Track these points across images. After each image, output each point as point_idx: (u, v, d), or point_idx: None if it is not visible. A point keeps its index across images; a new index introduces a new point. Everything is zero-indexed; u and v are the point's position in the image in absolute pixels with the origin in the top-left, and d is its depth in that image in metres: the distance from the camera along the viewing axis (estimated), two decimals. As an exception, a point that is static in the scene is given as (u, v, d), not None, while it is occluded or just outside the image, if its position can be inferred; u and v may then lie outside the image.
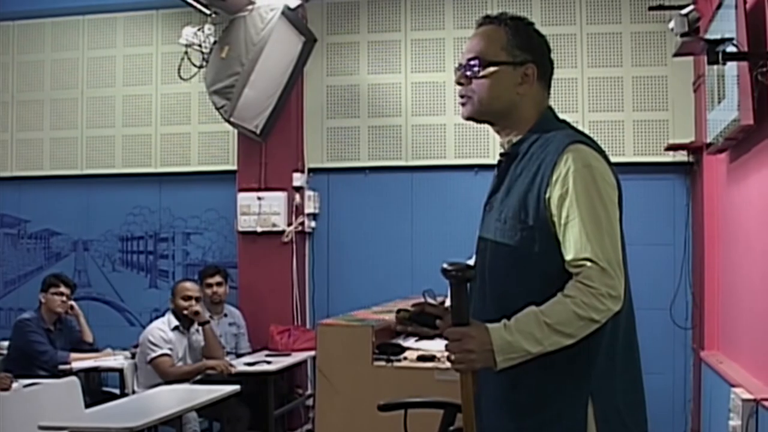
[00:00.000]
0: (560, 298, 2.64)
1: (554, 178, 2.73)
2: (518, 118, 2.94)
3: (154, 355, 7.45)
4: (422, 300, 3.03)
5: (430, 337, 3.07)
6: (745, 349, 5.97)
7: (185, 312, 7.70)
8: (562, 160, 2.73)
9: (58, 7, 9.63)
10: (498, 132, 3.03)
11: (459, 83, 2.99)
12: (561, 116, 3.01)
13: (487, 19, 3.00)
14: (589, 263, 2.64)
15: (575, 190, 2.69)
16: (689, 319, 8.16)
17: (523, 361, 2.65)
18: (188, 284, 7.94)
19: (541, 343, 2.61)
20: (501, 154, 3.01)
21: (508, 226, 2.82)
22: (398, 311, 3.06)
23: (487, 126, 3.04)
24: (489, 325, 2.66)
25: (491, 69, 2.91)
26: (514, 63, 2.91)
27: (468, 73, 2.95)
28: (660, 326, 8.04)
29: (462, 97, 2.99)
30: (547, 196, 2.73)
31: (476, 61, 2.93)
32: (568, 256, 2.69)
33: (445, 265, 2.69)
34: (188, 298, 7.74)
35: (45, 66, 9.82)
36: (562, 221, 2.71)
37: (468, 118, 3.01)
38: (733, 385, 5.45)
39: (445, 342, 2.74)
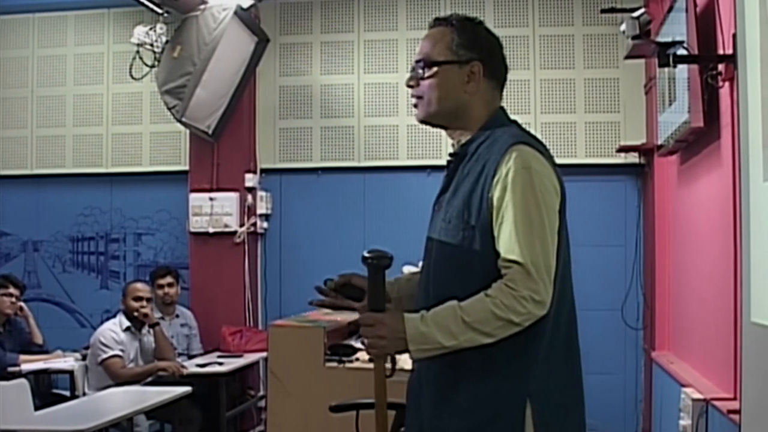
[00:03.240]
0: (482, 296, 2.68)
1: (496, 178, 2.75)
2: (468, 117, 2.96)
3: (105, 356, 7.39)
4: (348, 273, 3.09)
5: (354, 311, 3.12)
6: (696, 349, 6.02)
7: (135, 314, 7.64)
8: (504, 160, 2.75)
9: (7, 5, 9.52)
10: (450, 134, 3.05)
11: (409, 86, 3.02)
12: (513, 118, 3.03)
13: (437, 21, 3.03)
14: (515, 265, 2.67)
15: (513, 191, 2.71)
16: (640, 319, 8.21)
17: (440, 353, 2.71)
18: (139, 285, 7.88)
19: (456, 337, 2.66)
20: (450, 154, 3.03)
21: (451, 226, 2.84)
22: (325, 280, 3.13)
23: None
24: (406, 315, 2.72)
25: (435, 69, 2.94)
26: (459, 62, 2.93)
27: (416, 75, 2.98)
28: (611, 327, 8.10)
29: (414, 98, 3.02)
30: (489, 195, 2.75)
31: (422, 63, 2.96)
32: (499, 257, 2.72)
33: (364, 253, 2.84)
34: (139, 299, 7.68)
35: (-6, 64, 9.73)
36: (498, 221, 2.73)
37: (422, 121, 3.04)
38: (684, 385, 5.50)
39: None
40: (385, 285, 2.89)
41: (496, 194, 2.73)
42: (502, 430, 2.76)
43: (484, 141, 2.89)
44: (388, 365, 2.90)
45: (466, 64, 2.93)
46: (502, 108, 3.03)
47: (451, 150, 3.05)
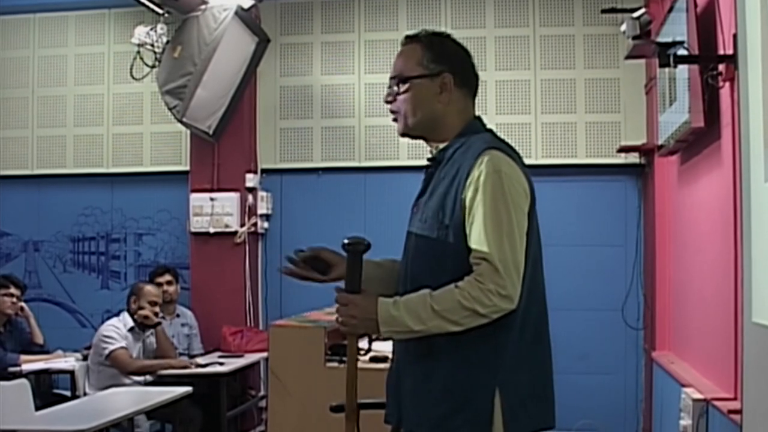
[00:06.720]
0: (452, 287, 2.87)
1: (468, 181, 2.93)
2: (444, 126, 3.16)
3: (111, 348, 7.35)
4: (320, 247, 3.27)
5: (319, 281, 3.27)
6: (696, 349, 6.02)
7: (135, 316, 7.61)
8: (476, 164, 2.94)
9: (7, 5, 9.51)
10: (429, 143, 3.23)
11: (387, 101, 3.22)
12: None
13: (407, 39, 3.25)
14: (483, 262, 2.86)
15: (483, 192, 2.89)
16: (641, 319, 8.20)
17: (409, 337, 2.93)
18: (153, 289, 7.81)
19: (424, 323, 2.87)
20: (428, 159, 3.21)
21: (427, 225, 3.04)
22: (296, 251, 3.26)
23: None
24: (380, 299, 2.96)
25: (409, 84, 3.14)
26: (430, 75, 3.13)
27: (392, 92, 3.20)
28: (612, 327, 8.10)
29: (392, 113, 3.23)
30: (462, 197, 2.93)
31: (396, 80, 3.19)
32: (471, 254, 2.88)
33: (345, 240, 3.11)
34: (154, 303, 7.66)
35: (-5, 65, 9.73)
36: (470, 221, 2.91)
37: (402, 134, 3.24)
38: (684, 385, 5.50)
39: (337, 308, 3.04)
40: (367, 267, 3.15)
41: (468, 195, 2.92)
42: (471, 417, 2.93)
43: (460, 147, 3.07)
44: (365, 344, 3.22)
45: (437, 76, 3.13)
46: (478, 117, 3.21)
47: (429, 155, 3.23)
